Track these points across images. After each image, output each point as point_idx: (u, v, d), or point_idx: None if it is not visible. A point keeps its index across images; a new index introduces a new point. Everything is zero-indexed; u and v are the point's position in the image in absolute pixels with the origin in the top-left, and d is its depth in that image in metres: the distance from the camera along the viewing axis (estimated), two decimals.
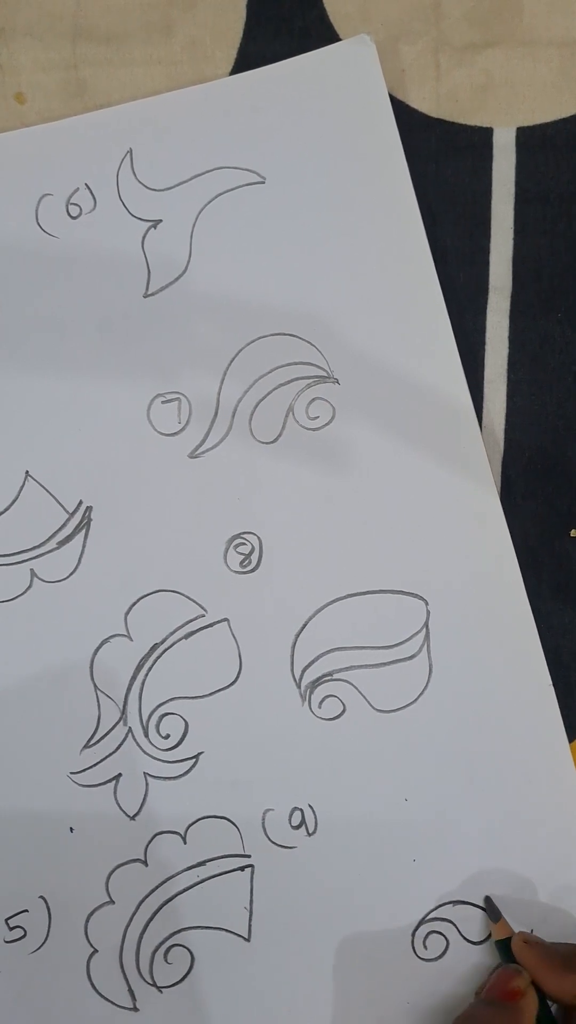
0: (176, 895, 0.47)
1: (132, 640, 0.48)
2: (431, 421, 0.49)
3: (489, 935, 0.47)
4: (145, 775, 0.47)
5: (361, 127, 0.49)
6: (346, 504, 0.48)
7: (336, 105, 0.49)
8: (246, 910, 0.47)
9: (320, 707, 0.47)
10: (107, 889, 0.47)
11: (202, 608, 0.48)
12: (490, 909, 0.46)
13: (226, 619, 0.48)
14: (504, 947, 0.45)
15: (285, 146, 0.50)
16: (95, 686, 0.48)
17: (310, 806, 0.47)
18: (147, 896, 0.47)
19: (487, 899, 0.46)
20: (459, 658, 0.48)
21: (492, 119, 0.50)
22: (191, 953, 0.47)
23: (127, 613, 0.48)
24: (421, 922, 0.47)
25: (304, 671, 0.48)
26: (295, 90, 0.50)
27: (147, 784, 0.47)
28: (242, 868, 0.47)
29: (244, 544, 0.48)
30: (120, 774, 0.47)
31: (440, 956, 0.47)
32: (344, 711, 0.47)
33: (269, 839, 0.47)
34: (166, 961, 0.47)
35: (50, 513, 0.49)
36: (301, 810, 0.47)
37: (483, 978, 0.46)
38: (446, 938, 0.47)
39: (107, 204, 0.49)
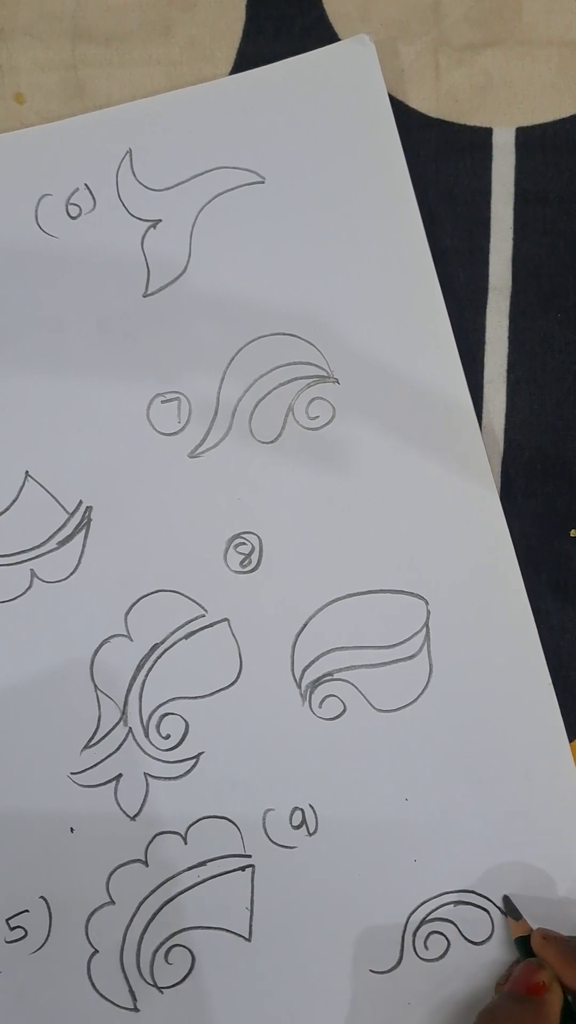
0: (177, 895, 0.47)
1: (132, 640, 0.48)
2: (431, 421, 0.49)
3: (490, 936, 0.47)
4: (145, 775, 0.47)
5: (360, 127, 0.49)
6: (346, 504, 0.48)
7: (335, 105, 0.49)
8: (247, 910, 0.47)
9: (320, 707, 0.47)
10: (108, 889, 0.47)
11: (202, 608, 0.48)
12: (509, 908, 0.46)
13: (226, 619, 0.48)
14: (523, 944, 0.45)
15: (284, 146, 0.50)
16: (95, 686, 0.48)
17: (311, 806, 0.47)
18: (148, 896, 0.47)
19: (505, 898, 0.46)
20: (459, 658, 0.48)
21: (491, 119, 0.50)
22: (192, 953, 0.47)
23: (127, 613, 0.48)
24: (422, 922, 0.47)
25: (304, 671, 0.48)
26: (294, 90, 0.50)
27: (147, 784, 0.47)
28: (243, 868, 0.47)
29: (244, 544, 0.48)
30: (120, 774, 0.47)
31: (441, 956, 0.47)
32: (344, 711, 0.47)
33: (270, 839, 0.47)
34: (167, 961, 0.47)
35: (50, 513, 0.48)
36: (302, 810, 0.47)
37: (497, 973, 0.46)
38: (447, 939, 0.47)
39: (107, 204, 0.49)
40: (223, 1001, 0.46)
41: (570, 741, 0.48)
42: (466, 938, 0.47)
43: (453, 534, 0.48)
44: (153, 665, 0.48)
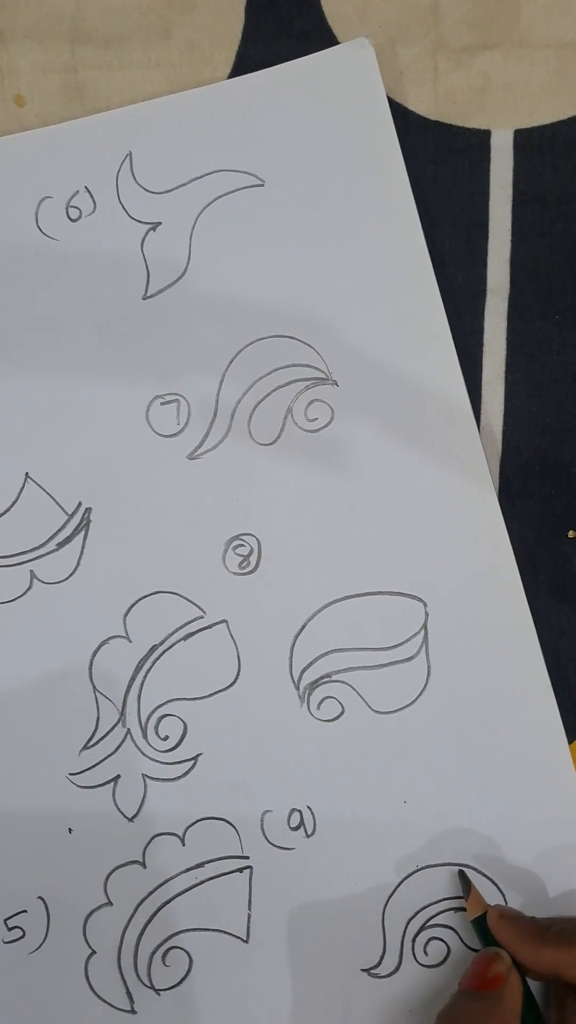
0: (174, 897, 0.47)
1: (131, 641, 0.48)
2: (429, 423, 0.49)
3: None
4: (144, 776, 0.47)
5: (359, 130, 0.49)
6: (345, 506, 0.48)
7: (334, 108, 0.50)
8: (245, 912, 0.47)
9: (319, 708, 0.47)
10: (105, 890, 0.47)
11: (201, 609, 0.48)
12: (462, 882, 0.45)
13: (225, 620, 0.48)
14: (481, 925, 0.43)
15: (284, 149, 0.50)
16: (94, 687, 0.48)
17: (309, 807, 0.47)
18: (145, 898, 0.47)
19: (460, 872, 0.46)
20: (458, 659, 0.48)
21: (490, 121, 0.50)
22: (189, 955, 0.47)
23: (126, 614, 0.48)
24: (422, 928, 0.47)
25: (303, 672, 0.48)
26: (294, 93, 0.50)
27: (146, 785, 0.47)
28: (241, 870, 0.47)
29: (243, 545, 0.48)
30: (119, 775, 0.47)
31: (441, 963, 0.47)
32: (343, 712, 0.47)
33: (268, 840, 0.47)
34: (164, 963, 0.47)
35: (50, 514, 0.49)
36: (300, 811, 0.47)
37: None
38: (447, 945, 0.47)
39: (107, 207, 0.49)
40: (220, 1003, 0.46)
41: (569, 743, 0.47)
42: (467, 945, 0.47)
43: (452, 536, 0.48)
44: (152, 666, 0.48)
